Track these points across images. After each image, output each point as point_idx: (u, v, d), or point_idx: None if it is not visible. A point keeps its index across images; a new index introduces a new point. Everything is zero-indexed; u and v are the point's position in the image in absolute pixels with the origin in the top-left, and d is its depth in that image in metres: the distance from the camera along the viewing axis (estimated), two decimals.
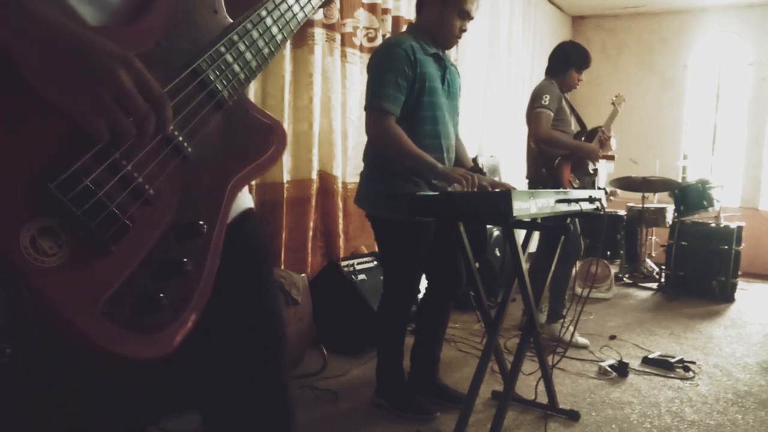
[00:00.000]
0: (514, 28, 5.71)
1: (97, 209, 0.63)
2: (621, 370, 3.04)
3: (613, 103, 3.78)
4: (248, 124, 0.85)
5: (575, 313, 2.45)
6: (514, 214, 1.82)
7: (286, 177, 3.26)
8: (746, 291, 5.20)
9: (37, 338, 0.60)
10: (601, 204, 2.30)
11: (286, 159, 3.29)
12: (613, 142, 3.72)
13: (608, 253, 5.31)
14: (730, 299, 4.79)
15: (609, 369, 3.05)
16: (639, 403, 2.70)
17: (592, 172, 3.51)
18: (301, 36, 3.27)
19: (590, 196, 2.26)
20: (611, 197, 5.44)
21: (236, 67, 0.80)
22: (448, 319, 2.68)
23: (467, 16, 2.31)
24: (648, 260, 5.72)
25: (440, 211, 2.11)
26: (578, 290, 4.00)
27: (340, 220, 3.59)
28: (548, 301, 3.66)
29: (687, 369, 3.11)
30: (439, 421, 2.44)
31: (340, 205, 3.58)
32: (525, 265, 2.23)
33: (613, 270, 5.01)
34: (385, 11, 3.91)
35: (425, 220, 2.32)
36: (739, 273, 4.89)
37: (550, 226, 2.78)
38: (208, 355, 0.87)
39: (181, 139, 0.74)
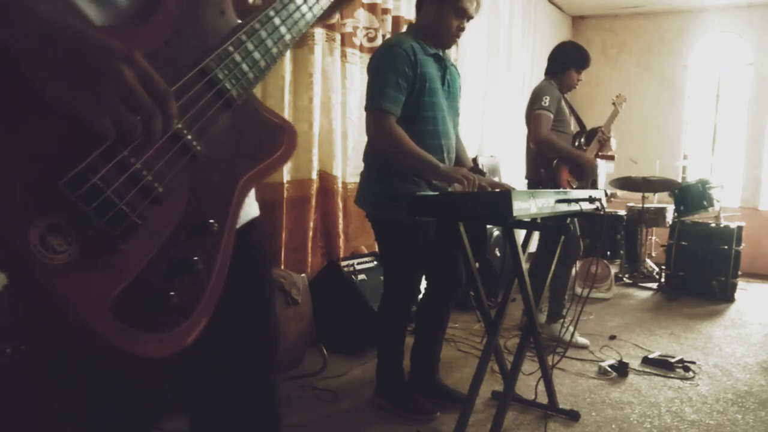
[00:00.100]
0: (514, 28, 5.71)
1: (105, 207, 0.63)
2: (621, 370, 3.04)
3: (613, 103, 3.77)
4: (258, 123, 0.85)
5: (575, 313, 2.45)
6: (514, 214, 1.82)
7: (286, 177, 3.26)
8: (746, 291, 5.21)
9: (47, 336, 0.60)
10: (601, 204, 2.31)
11: None
12: (613, 142, 3.72)
13: (608, 253, 5.31)
14: (730, 299, 4.79)
15: (609, 369, 3.06)
16: (639, 403, 2.70)
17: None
18: (301, 36, 3.26)
19: (590, 196, 2.27)
20: (611, 199, 5.44)
21: (245, 67, 0.80)
22: (448, 319, 2.69)
23: (464, 15, 2.31)
24: (648, 260, 5.72)
25: (440, 211, 2.11)
26: (578, 290, 4.00)
27: (340, 220, 3.59)
28: (548, 301, 3.66)
29: (687, 369, 3.11)
30: (439, 421, 2.44)
31: (340, 205, 3.58)
32: (525, 265, 2.23)
33: (613, 270, 5.01)
34: (385, 11, 3.91)
35: (425, 220, 2.32)
36: (739, 273, 4.89)
37: (550, 226, 2.79)
38: (200, 353, 0.87)
39: (189, 137, 0.73)
